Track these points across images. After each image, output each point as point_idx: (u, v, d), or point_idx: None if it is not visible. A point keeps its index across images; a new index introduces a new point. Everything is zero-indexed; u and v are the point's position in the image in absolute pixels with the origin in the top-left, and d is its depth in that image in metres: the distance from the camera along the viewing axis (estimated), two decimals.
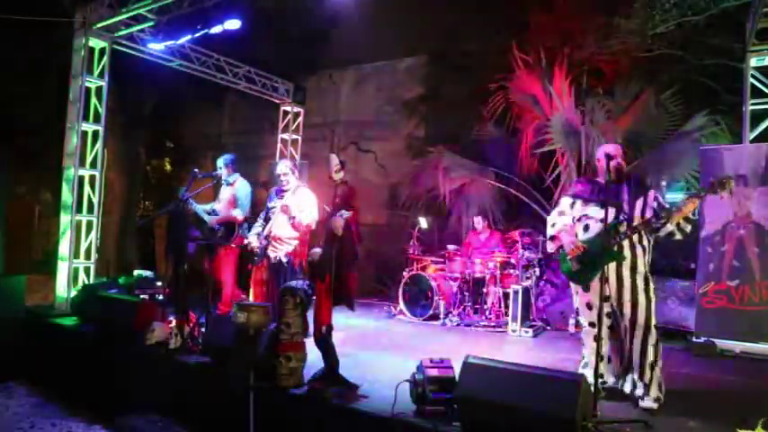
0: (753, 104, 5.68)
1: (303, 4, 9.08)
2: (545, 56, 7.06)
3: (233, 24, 5.88)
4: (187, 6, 5.88)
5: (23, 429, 4.44)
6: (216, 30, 5.96)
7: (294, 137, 9.75)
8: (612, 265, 3.42)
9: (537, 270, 6.65)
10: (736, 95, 6.08)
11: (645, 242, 3.45)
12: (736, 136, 6.10)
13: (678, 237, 3.40)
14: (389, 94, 10.31)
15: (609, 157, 3.51)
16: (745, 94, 5.71)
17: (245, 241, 5.14)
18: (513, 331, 5.93)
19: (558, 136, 6.72)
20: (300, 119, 9.78)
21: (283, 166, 5.05)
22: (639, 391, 3.42)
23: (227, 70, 8.28)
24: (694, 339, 5.30)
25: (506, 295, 6.32)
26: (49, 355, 5.61)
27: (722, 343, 5.19)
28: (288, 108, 9.64)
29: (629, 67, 7.25)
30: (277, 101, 9.52)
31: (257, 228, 5.07)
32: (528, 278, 6.48)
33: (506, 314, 6.20)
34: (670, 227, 3.34)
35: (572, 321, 6.21)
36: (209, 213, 5.46)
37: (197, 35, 6.15)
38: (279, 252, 4.87)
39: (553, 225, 3.71)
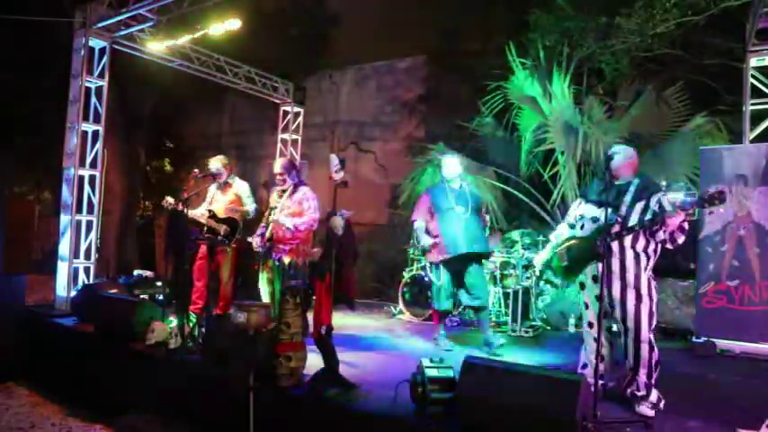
0: (753, 104, 5.68)
1: (303, 3, 9.09)
2: (545, 56, 7.06)
3: (233, 24, 5.88)
4: (187, 6, 5.88)
5: (23, 429, 4.45)
6: (216, 30, 5.96)
7: (294, 137, 9.75)
8: (602, 267, 3.32)
9: (537, 270, 6.65)
10: (737, 95, 6.08)
11: (640, 247, 3.36)
12: (736, 136, 6.10)
13: (669, 246, 3.35)
14: (389, 94, 10.33)
15: (608, 158, 3.49)
16: (745, 94, 5.70)
17: (248, 239, 5.15)
18: (513, 331, 5.93)
19: (557, 135, 6.72)
20: (300, 119, 9.78)
21: (279, 166, 5.01)
22: (639, 393, 3.40)
23: (227, 70, 8.28)
24: (694, 339, 5.30)
25: (506, 295, 6.32)
26: (49, 355, 5.61)
27: (722, 343, 5.18)
28: (288, 108, 9.64)
29: (629, 67, 7.26)
30: (277, 101, 9.52)
31: (260, 229, 5.06)
32: (528, 278, 6.47)
33: (506, 314, 6.20)
34: (661, 235, 3.30)
35: (572, 321, 6.22)
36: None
37: (197, 35, 6.15)
38: (281, 252, 4.88)
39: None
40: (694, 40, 6.84)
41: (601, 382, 3.49)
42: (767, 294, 5.03)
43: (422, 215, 5.17)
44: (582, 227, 3.58)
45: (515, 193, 7.49)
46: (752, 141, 5.61)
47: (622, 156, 3.50)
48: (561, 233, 3.80)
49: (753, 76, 5.67)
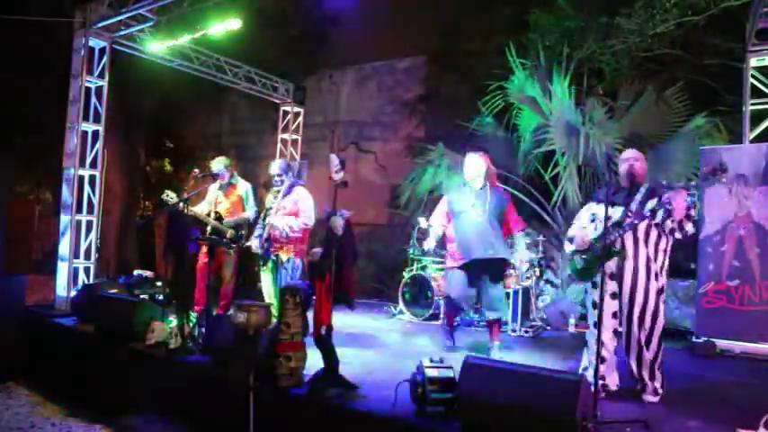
0: (753, 104, 5.67)
1: (303, 3, 9.08)
2: (545, 56, 7.06)
3: (233, 24, 5.88)
4: (187, 6, 5.88)
5: (23, 429, 4.45)
6: (216, 30, 5.96)
7: (294, 137, 9.75)
8: (619, 263, 3.49)
9: (537, 270, 6.65)
10: (737, 95, 6.07)
11: (652, 242, 3.49)
12: (736, 136, 6.10)
13: (678, 235, 3.46)
14: (389, 94, 10.32)
15: (623, 162, 3.65)
16: (745, 94, 5.70)
17: (248, 243, 5.22)
18: (513, 331, 5.93)
19: (558, 136, 6.72)
20: (300, 119, 9.78)
21: (277, 167, 5.15)
22: (642, 384, 3.56)
23: (227, 70, 8.28)
24: (694, 339, 5.30)
25: (506, 295, 6.31)
26: (49, 355, 5.61)
27: (722, 343, 5.19)
28: (288, 108, 9.64)
29: (629, 68, 7.25)
30: (277, 101, 9.52)
31: (258, 230, 5.16)
32: (528, 278, 6.47)
33: (506, 314, 6.20)
34: (670, 224, 3.41)
35: (572, 321, 6.22)
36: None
37: (197, 35, 6.15)
38: (280, 252, 4.94)
39: (571, 226, 3.89)
40: (694, 40, 6.84)
41: (601, 382, 3.52)
42: (767, 294, 5.03)
43: (437, 218, 4.94)
44: (595, 228, 3.66)
45: (515, 193, 7.49)
46: (752, 141, 5.61)
47: (642, 163, 3.66)
48: (574, 223, 3.85)
49: (753, 76, 5.67)
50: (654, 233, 3.50)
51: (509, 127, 7.72)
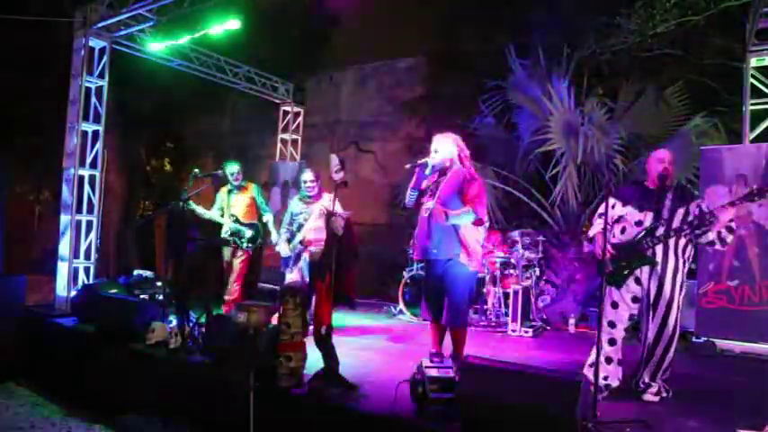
0: (753, 104, 5.67)
1: (303, 3, 9.08)
2: (545, 56, 7.06)
3: (233, 24, 5.88)
4: (187, 6, 5.88)
5: (23, 429, 4.45)
6: (215, 30, 5.96)
7: (294, 137, 9.76)
8: (647, 269, 3.50)
9: (537, 270, 6.65)
10: (737, 95, 6.07)
11: (680, 249, 3.49)
12: (736, 136, 6.10)
13: (718, 246, 3.48)
14: (389, 94, 10.31)
15: (658, 163, 3.58)
16: (745, 94, 5.70)
17: (276, 248, 5.38)
18: (513, 331, 5.93)
19: (558, 136, 6.72)
20: (300, 119, 9.79)
21: (311, 174, 5.34)
22: (646, 382, 3.60)
23: (227, 70, 8.28)
24: (694, 339, 5.30)
25: (506, 295, 6.31)
26: (49, 355, 5.62)
27: (722, 343, 5.19)
28: (288, 108, 9.65)
29: (629, 67, 7.26)
30: (277, 101, 9.52)
31: (285, 235, 5.28)
32: (528, 278, 6.47)
33: (506, 314, 6.20)
34: (711, 235, 3.41)
35: (572, 321, 6.22)
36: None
37: (197, 35, 6.15)
38: (315, 254, 5.13)
39: (592, 225, 3.84)
40: (694, 40, 6.84)
41: (605, 382, 3.53)
42: (767, 294, 5.03)
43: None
44: (623, 230, 3.61)
45: (515, 192, 7.48)
46: (752, 141, 5.61)
47: (673, 165, 3.62)
48: (597, 223, 3.78)
49: (753, 76, 5.67)
50: (682, 241, 3.49)
51: (509, 127, 7.71)
